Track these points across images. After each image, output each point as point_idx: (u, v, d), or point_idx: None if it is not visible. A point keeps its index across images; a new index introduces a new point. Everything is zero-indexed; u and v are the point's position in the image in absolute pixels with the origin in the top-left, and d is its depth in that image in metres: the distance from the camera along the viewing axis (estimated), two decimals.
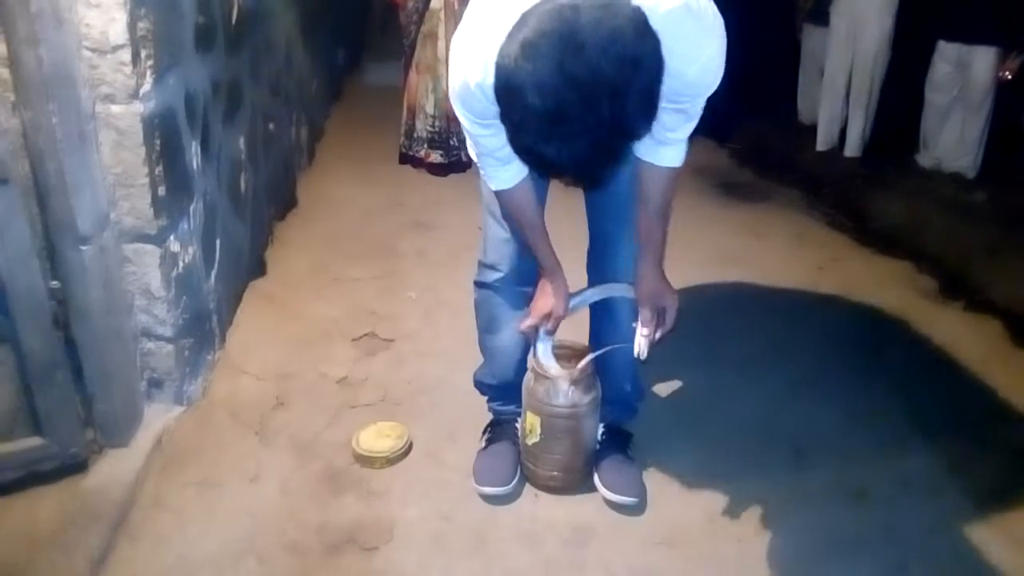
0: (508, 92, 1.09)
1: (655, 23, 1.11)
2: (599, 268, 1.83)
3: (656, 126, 1.49)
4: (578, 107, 1.04)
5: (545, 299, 1.73)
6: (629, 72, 1.05)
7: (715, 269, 3.01)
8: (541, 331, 1.78)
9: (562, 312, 1.75)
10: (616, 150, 1.12)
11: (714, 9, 1.36)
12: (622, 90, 1.05)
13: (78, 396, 1.85)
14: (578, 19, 1.04)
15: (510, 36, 1.09)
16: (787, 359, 2.50)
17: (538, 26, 1.06)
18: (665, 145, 1.52)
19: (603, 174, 1.16)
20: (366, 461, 1.98)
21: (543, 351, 1.81)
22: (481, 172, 1.63)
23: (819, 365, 2.48)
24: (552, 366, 1.81)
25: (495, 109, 1.18)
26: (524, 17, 1.10)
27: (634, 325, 1.72)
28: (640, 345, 1.70)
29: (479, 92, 1.32)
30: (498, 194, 1.65)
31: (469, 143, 1.57)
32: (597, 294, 1.81)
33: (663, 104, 1.46)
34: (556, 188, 1.82)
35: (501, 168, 1.56)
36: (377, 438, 2.03)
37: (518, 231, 1.70)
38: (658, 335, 1.70)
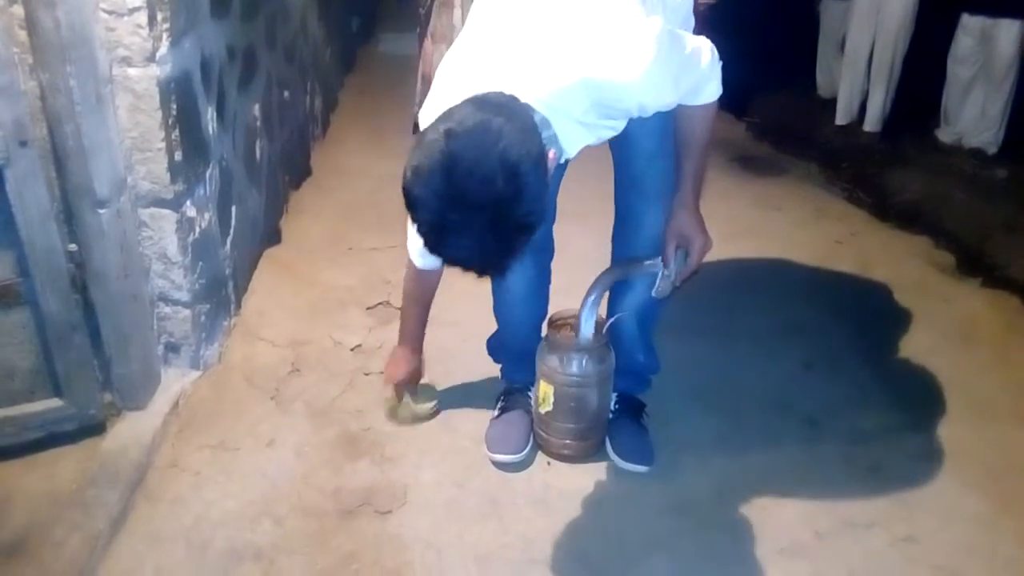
0: (407, 204, 1.19)
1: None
2: (624, 244, 1.81)
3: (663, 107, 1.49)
4: (459, 222, 1.14)
5: (395, 366, 1.99)
6: (501, 186, 1.11)
7: (732, 242, 2.98)
8: (589, 302, 1.75)
9: (403, 377, 1.99)
10: (511, 247, 1.19)
11: (639, 40, 1.32)
12: (499, 201, 1.12)
13: (96, 359, 1.87)
14: (451, 145, 1.12)
15: (412, 151, 1.17)
16: (802, 333, 2.49)
17: (423, 152, 1.14)
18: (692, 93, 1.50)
19: (505, 267, 1.22)
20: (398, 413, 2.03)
21: (586, 318, 1.78)
22: (409, 249, 1.76)
23: (834, 339, 2.47)
24: (588, 335, 1.79)
25: None
26: (430, 127, 1.18)
27: (650, 263, 1.70)
28: (660, 284, 1.67)
29: None
30: (409, 264, 1.81)
31: (410, 239, 1.69)
32: (619, 274, 1.77)
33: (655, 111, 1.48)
34: (583, 162, 1.81)
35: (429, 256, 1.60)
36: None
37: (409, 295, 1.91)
38: (679, 278, 1.68)
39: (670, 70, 1.38)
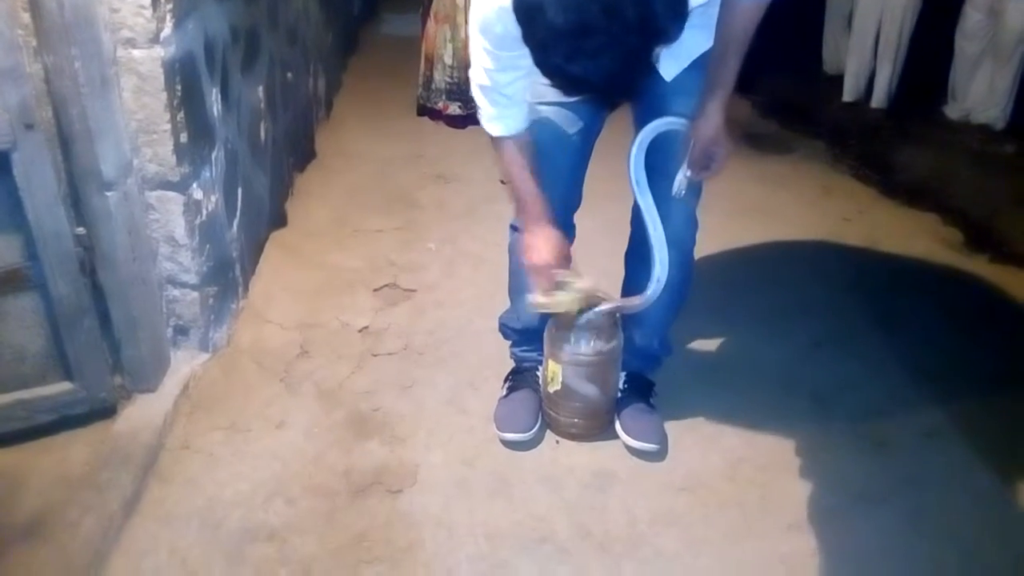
0: (529, 12, 1.06)
1: None
2: (640, 254, 1.76)
3: None
4: (602, 18, 1.02)
5: (536, 251, 1.64)
6: None
7: (739, 220, 2.98)
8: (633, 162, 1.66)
9: (549, 258, 1.65)
10: (646, 57, 1.09)
11: None
12: None
13: (105, 342, 1.87)
14: None
15: None
16: (810, 310, 2.48)
17: None
18: None
19: (635, 84, 1.13)
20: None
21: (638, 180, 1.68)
22: (481, 118, 1.59)
23: (842, 317, 2.47)
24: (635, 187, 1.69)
25: (516, 33, 1.15)
26: None
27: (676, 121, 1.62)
28: (679, 183, 1.64)
29: (501, 15, 1.29)
30: (495, 143, 1.61)
31: (477, 79, 1.53)
32: (651, 131, 1.65)
33: None
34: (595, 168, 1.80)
35: (504, 108, 1.54)
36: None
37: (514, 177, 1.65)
38: (698, 176, 1.63)
39: None
